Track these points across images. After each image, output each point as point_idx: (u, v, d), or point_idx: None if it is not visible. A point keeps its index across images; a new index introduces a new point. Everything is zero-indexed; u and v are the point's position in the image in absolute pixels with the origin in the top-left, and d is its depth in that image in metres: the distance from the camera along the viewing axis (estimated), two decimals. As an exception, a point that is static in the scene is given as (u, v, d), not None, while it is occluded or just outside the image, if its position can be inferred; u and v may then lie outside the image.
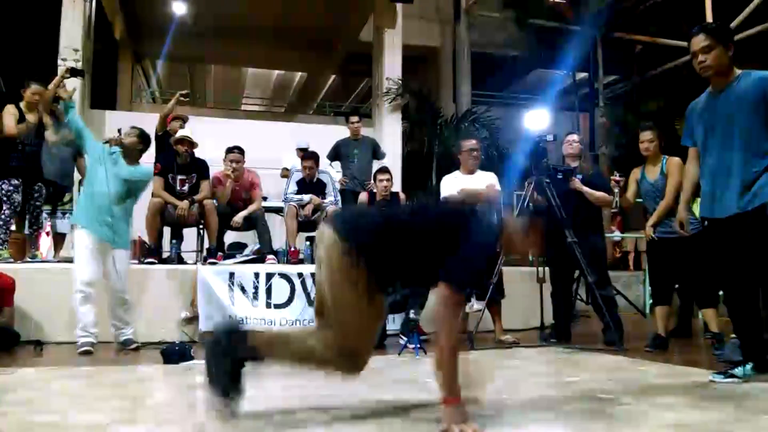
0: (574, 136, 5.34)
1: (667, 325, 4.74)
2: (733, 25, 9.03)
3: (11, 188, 5.59)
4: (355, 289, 2.24)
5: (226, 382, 2.24)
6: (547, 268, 5.25)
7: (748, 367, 3.18)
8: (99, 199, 4.65)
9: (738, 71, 3.23)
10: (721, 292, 4.40)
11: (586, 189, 5.00)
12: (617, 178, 4.81)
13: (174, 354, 4.03)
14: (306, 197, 6.26)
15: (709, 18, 9.51)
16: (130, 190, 4.80)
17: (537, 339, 5.17)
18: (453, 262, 2.23)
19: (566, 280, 5.27)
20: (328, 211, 6.29)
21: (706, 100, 3.37)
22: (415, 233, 2.34)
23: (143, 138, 4.95)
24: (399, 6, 9.60)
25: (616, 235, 9.64)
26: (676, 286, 5.12)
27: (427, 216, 2.47)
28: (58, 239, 6.36)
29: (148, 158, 5.57)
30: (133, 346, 4.66)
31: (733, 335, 4.60)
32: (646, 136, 4.77)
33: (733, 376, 3.17)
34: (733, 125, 3.18)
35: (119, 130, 5.03)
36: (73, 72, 5.96)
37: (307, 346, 2.31)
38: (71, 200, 6.49)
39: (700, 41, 3.21)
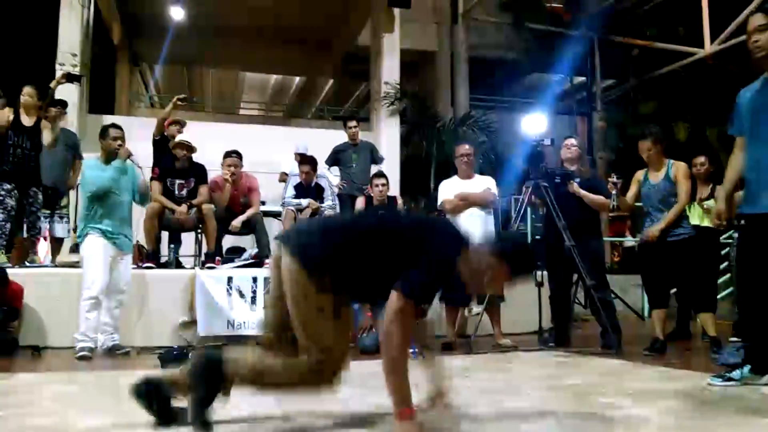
0: (572, 140, 5.35)
1: (665, 328, 4.75)
2: (730, 29, 9.06)
3: (3, 192, 5.57)
4: (323, 312, 2.19)
5: (200, 410, 2.21)
6: (545, 272, 5.25)
7: (746, 369, 3.18)
8: (118, 208, 4.76)
9: None
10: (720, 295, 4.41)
11: (584, 193, 5.01)
12: (614, 179, 4.81)
13: (172, 359, 4.02)
14: (304, 201, 6.27)
15: (706, 22, 9.54)
16: (134, 198, 5.01)
17: (536, 343, 5.17)
18: (409, 272, 2.16)
19: (565, 283, 5.28)
20: (326, 215, 6.29)
21: (759, 86, 3.14)
22: (381, 242, 2.26)
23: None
24: (396, 10, 9.62)
25: (628, 239, 9.55)
26: (673, 290, 5.13)
27: (394, 224, 2.40)
28: (56, 244, 6.35)
29: (146, 162, 5.60)
30: (123, 351, 4.66)
31: (732, 338, 4.63)
32: (645, 144, 4.75)
33: (730, 379, 3.17)
34: None
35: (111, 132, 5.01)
36: (69, 78, 5.98)
37: (283, 366, 2.24)
38: (68, 204, 6.49)
39: (757, 20, 3.01)
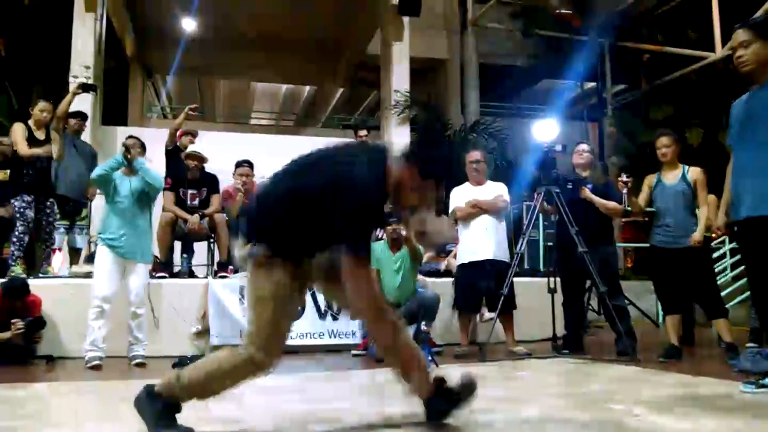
0: (584, 146, 5.33)
1: (678, 333, 4.71)
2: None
3: (24, 204, 5.63)
4: (263, 302, 2.23)
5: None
6: (558, 279, 5.22)
7: None
8: (116, 210, 4.72)
9: None
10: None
11: (596, 199, 4.99)
12: (624, 179, 4.76)
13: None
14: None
15: (717, 26, 9.49)
16: (149, 196, 4.86)
17: (549, 350, 5.13)
18: (338, 223, 2.16)
19: (578, 290, 5.25)
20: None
21: (746, 97, 3.27)
22: (306, 197, 2.26)
23: (143, 147, 5.03)
24: (406, 18, 9.64)
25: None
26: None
27: (310, 174, 2.35)
28: (74, 255, 6.40)
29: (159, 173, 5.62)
30: (137, 361, 4.66)
31: (749, 344, 4.57)
32: (663, 141, 4.74)
33: (763, 386, 3.11)
34: (760, 123, 3.10)
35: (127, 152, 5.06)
36: (84, 87, 6.04)
37: (217, 359, 2.30)
38: (88, 215, 6.55)
39: (740, 36, 3.13)
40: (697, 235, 4.55)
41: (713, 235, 3.91)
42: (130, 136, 5.02)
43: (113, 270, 4.64)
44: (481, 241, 5.18)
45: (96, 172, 4.81)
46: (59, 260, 6.36)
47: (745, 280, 7.09)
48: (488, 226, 5.18)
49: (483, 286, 5.08)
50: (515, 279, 5.04)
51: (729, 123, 3.37)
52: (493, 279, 5.01)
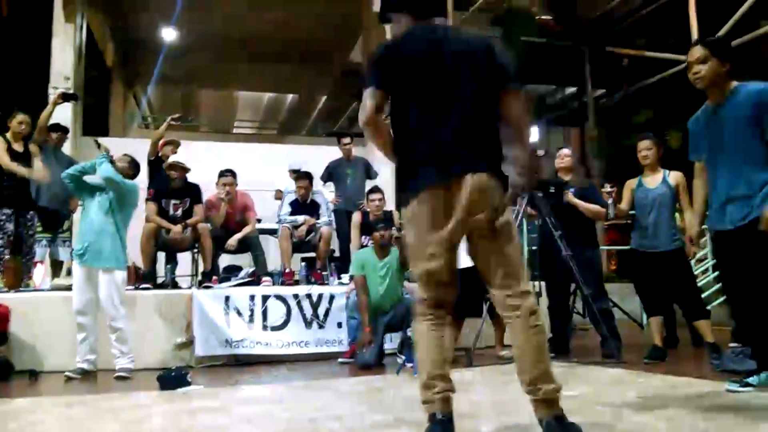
0: (566, 150, 5.38)
1: (663, 335, 4.75)
2: (718, 35, 9.14)
3: (3, 217, 5.56)
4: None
5: None
6: (543, 283, 5.24)
7: (764, 375, 3.16)
8: (85, 220, 4.67)
9: (734, 84, 3.20)
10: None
11: (579, 202, 5.03)
12: (608, 188, 4.83)
13: (170, 380, 4.00)
14: (300, 218, 6.26)
15: (695, 30, 9.62)
16: (118, 201, 4.69)
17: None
18: None
19: (563, 293, 5.28)
20: (322, 231, 6.29)
21: (707, 115, 3.35)
22: None
23: (133, 165, 4.96)
24: (388, 26, 9.68)
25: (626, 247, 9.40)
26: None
27: None
28: (56, 267, 6.33)
29: (141, 184, 5.58)
30: (118, 374, 4.54)
31: (732, 344, 4.62)
32: (644, 144, 4.79)
33: (748, 384, 3.14)
34: (731, 140, 3.17)
35: (97, 143, 5.01)
36: (65, 97, 5.99)
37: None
38: (71, 228, 6.47)
39: (696, 53, 3.23)
40: (690, 247, 4.64)
41: (692, 248, 4.04)
42: (125, 155, 4.97)
43: (83, 282, 4.57)
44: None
45: (68, 170, 4.73)
46: (41, 273, 6.28)
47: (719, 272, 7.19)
48: None
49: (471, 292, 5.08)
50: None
51: (691, 138, 3.48)
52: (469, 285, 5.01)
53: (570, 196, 5.05)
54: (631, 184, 4.90)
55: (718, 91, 3.23)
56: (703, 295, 5.77)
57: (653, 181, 4.76)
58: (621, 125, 12.97)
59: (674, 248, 4.63)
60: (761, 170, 3.08)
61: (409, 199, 2.24)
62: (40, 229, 6.04)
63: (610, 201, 4.80)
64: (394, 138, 2.34)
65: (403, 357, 4.71)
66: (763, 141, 3.07)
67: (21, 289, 5.60)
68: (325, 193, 7.04)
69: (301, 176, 6.48)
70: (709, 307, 4.98)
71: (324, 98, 16.86)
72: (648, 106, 13.03)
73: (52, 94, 7.63)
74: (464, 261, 5.30)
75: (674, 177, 4.71)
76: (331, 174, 7.32)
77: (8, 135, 5.69)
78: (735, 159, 3.16)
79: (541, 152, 5.18)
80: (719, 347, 4.44)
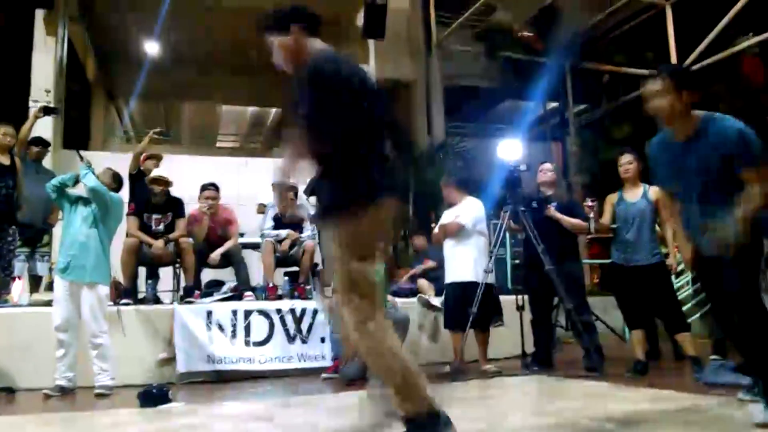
0: (548, 165, 5.42)
1: (645, 348, 4.78)
2: (695, 53, 9.32)
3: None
4: None
5: None
6: (526, 296, 5.26)
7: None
8: (68, 233, 4.61)
9: (700, 115, 2.95)
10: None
11: (561, 216, 5.07)
12: (590, 203, 4.88)
13: (151, 397, 3.94)
14: (283, 232, 6.23)
15: (672, 46, 9.80)
16: (102, 214, 4.65)
17: (519, 368, 5.15)
18: None
19: (546, 307, 5.30)
20: (306, 245, 6.26)
21: (673, 147, 3.11)
22: None
23: (115, 178, 4.93)
24: (371, 41, 9.74)
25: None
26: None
27: None
28: (35, 282, 6.23)
29: (123, 198, 5.53)
30: (97, 392, 4.47)
31: (712, 356, 4.66)
32: (625, 158, 4.86)
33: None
34: (703, 175, 2.97)
35: (80, 155, 4.97)
36: (46, 110, 5.95)
37: None
38: (50, 242, 6.38)
39: (653, 86, 3.02)
40: (672, 261, 4.71)
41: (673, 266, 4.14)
42: (107, 168, 4.94)
43: (65, 297, 4.51)
44: (447, 263, 5.25)
45: (50, 182, 4.68)
46: (19, 289, 6.18)
47: (703, 295, 7.28)
48: (452, 248, 5.23)
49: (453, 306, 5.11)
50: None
51: (653, 164, 3.28)
52: (460, 299, 5.03)
53: (552, 211, 5.09)
54: (612, 198, 4.95)
55: (683, 124, 2.98)
56: (683, 308, 5.83)
57: (634, 195, 4.81)
58: (602, 140, 13.13)
59: (655, 262, 4.68)
60: (731, 203, 2.89)
61: (375, 198, 2.34)
62: (19, 243, 5.94)
63: (591, 215, 4.85)
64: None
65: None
66: (733, 176, 2.88)
67: (-1, 304, 5.50)
68: (309, 207, 7.01)
69: (288, 188, 6.45)
70: (689, 320, 5.03)
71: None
72: (628, 121, 13.23)
73: (33, 108, 7.57)
74: (453, 275, 5.33)
75: (654, 191, 4.76)
76: (314, 187, 7.28)
77: None
78: (706, 193, 2.99)
79: (523, 167, 5.21)
80: (701, 360, 4.48)
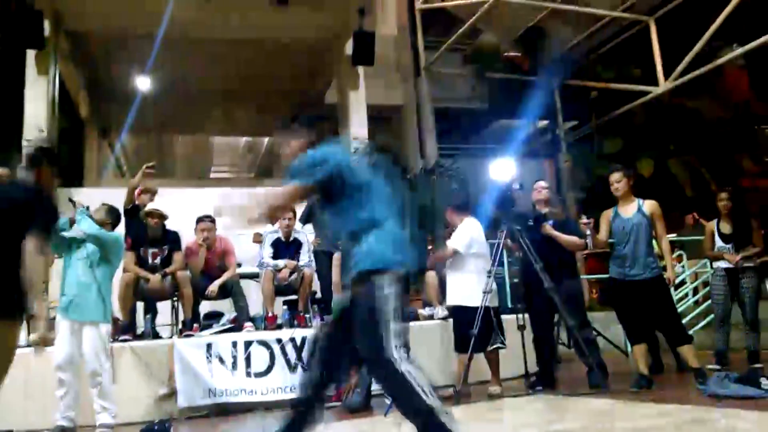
0: (543, 183, 5.46)
1: (647, 362, 4.76)
2: (681, 67, 9.43)
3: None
4: None
5: None
6: (526, 315, 5.25)
7: None
8: (68, 273, 4.60)
9: None
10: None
11: (557, 234, 5.08)
12: (585, 221, 4.90)
13: (154, 433, 3.90)
14: (281, 262, 6.20)
15: (658, 61, 9.91)
16: (101, 255, 4.63)
17: (523, 387, 5.12)
18: None
19: (547, 325, 5.28)
20: (304, 272, 6.24)
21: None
22: None
23: (111, 213, 4.92)
24: (360, 67, 9.82)
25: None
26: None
27: None
28: (31, 322, 6.17)
29: (119, 233, 5.52)
30: (101, 430, 4.41)
31: (714, 367, 4.65)
32: (614, 177, 4.90)
33: None
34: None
35: (71, 200, 4.96)
36: (42, 152, 5.93)
37: None
38: (46, 281, 6.34)
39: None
40: (670, 273, 4.74)
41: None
42: (102, 204, 4.95)
43: (66, 336, 4.49)
44: (448, 286, 5.26)
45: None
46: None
47: (706, 305, 7.29)
48: (451, 270, 5.24)
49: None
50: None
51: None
52: (461, 322, 5.01)
53: (548, 228, 5.11)
54: (608, 214, 4.97)
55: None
56: (684, 320, 5.83)
57: (629, 210, 4.84)
58: (593, 155, 13.23)
59: (653, 276, 4.69)
60: None
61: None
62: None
63: (588, 232, 4.86)
64: None
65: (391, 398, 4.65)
66: None
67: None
68: (305, 234, 7.01)
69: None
70: (691, 332, 5.02)
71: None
72: (618, 136, 13.35)
73: (27, 147, 7.58)
74: (457, 299, 5.30)
75: (649, 206, 4.79)
76: (309, 215, 7.31)
77: None
78: None
79: (516, 185, 5.24)
80: (704, 372, 4.46)
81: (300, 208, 7.08)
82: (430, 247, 6.60)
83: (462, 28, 10.98)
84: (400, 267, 2.47)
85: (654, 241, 5.01)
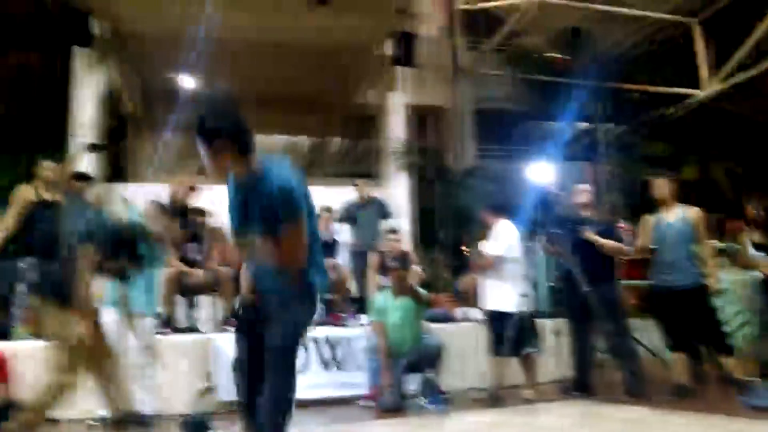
0: (584, 186, 5.39)
1: (686, 371, 4.68)
2: (725, 71, 9.23)
3: (27, 267, 5.64)
4: None
5: None
6: (564, 320, 5.21)
7: None
8: None
9: None
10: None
11: (598, 239, 5.01)
12: (624, 226, 4.83)
13: (192, 426, 4.00)
14: (319, 260, 6.27)
15: (703, 64, 9.71)
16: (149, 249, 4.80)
17: (558, 393, 5.08)
18: None
19: (585, 330, 5.23)
20: (340, 272, 6.30)
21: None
22: None
23: (162, 210, 5.08)
24: (401, 68, 9.86)
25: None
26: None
27: None
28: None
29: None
30: (143, 421, 4.56)
31: (757, 379, 4.54)
32: (657, 183, 4.84)
33: None
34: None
35: (124, 199, 5.15)
36: (92, 147, 6.15)
37: None
38: None
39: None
40: (712, 281, 4.64)
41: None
42: (152, 201, 5.12)
43: (113, 329, 4.61)
44: (483, 290, 5.24)
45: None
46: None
47: (749, 314, 7.11)
48: (487, 276, 5.22)
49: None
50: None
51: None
52: (497, 326, 4.99)
53: (588, 233, 5.04)
54: (650, 219, 4.90)
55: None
56: (727, 330, 5.69)
57: (671, 216, 4.76)
58: (634, 159, 13.00)
59: (695, 283, 4.60)
60: None
61: None
62: (62, 276, 6.10)
63: (627, 238, 4.80)
64: None
65: (425, 399, 4.68)
66: None
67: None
68: (343, 234, 7.09)
69: (323, 208, 6.55)
70: (733, 342, 4.91)
71: (339, 140, 17.08)
72: (661, 140, 13.07)
73: (75, 144, 7.84)
74: (492, 302, 5.28)
75: (692, 212, 4.71)
76: (346, 215, 7.38)
77: (36, 183, 5.82)
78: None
79: (554, 189, 5.20)
80: (746, 383, 4.37)
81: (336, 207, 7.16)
82: (464, 248, 6.59)
83: (503, 29, 10.93)
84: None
85: (696, 248, 4.92)
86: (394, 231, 6.20)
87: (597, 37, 11.57)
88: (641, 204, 6.31)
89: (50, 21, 9.51)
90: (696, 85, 9.99)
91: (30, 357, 5.02)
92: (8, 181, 8.24)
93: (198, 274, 5.78)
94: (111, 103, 10.04)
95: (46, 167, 5.85)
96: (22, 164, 8.97)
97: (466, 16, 11.84)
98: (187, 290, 5.96)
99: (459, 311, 6.37)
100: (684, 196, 4.93)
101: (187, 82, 11.37)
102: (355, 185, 7.46)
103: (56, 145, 8.68)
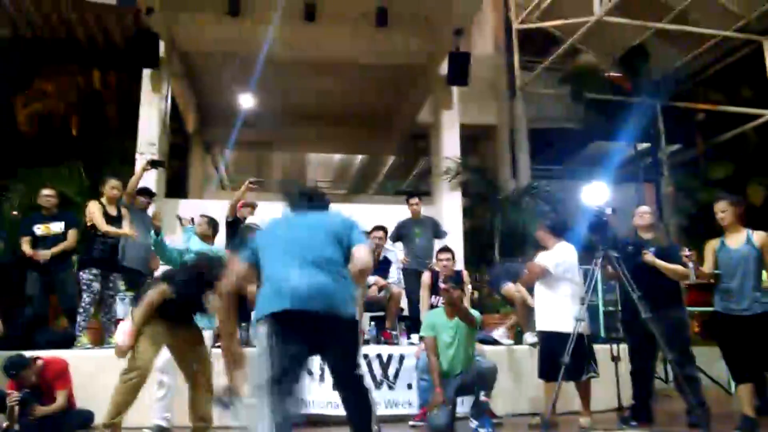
0: (645, 208, 5.25)
1: (752, 403, 4.45)
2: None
3: (91, 277, 5.87)
4: None
5: None
6: (624, 346, 5.05)
7: None
8: None
9: None
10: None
11: (660, 262, 4.84)
12: (687, 253, 4.63)
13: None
14: (371, 279, 6.28)
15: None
16: None
17: (616, 421, 4.91)
18: None
19: (645, 357, 5.04)
20: (392, 291, 6.29)
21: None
22: None
23: (212, 224, 5.22)
24: (455, 87, 9.86)
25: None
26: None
27: None
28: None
29: (220, 245, 5.81)
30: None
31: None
32: (719, 206, 4.64)
33: None
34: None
35: (179, 218, 5.34)
36: (153, 164, 6.39)
37: None
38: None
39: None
40: None
41: None
42: (203, 215, 5.28)
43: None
44: (537, 310, 5.15)
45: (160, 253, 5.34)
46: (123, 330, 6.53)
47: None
48: (542, 294, 5.10)
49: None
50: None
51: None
52: (551, 349, 4.86)
53: (649, 256, 4.88)
54: (714, 244, 4.70)
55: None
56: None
57: (736, 241, 4.56)
58: (698, 181, 12.59)
59: (761, 312, 4.39)
60: None
61: None
62: (124, 287, 6.31)
63: (691, 265, 4.60)
64: None
65: (476, 422, 4.59)
66: None
67: (105, 346, 5.84)
68: (396, 253, 7.08)
69: (377, 228, 6.57)
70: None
71: (392, 158, 17.17)
72: (726, 161, 12.62)
73: (139, 160, 8.13)
74: (548, 324, 5.14)
75: (759, 237, 4.50)
76: (399, 233, 7.38)
77: (103, 200, 6.06)
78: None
79: (608, 210, 5.05)
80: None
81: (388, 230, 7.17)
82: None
83: (561, 47, 10.82)
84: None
85: (763, 274, 4.70)
86: (447, 250, 6.15)
87: (660, 56, 11.31)
88: (705, 227, 6.09)
89: (125, 43, 9.98)
90: (764, 104, 9.63)
91: (92, 366, 5.18)
92: (74, 192, 8.65)
93: (252, 290, 5.84)
94: (173, 121, 10.38)
95: (112, 185, 6.08)
96: (87, 176, 9.41)
97: (522, 34, 11.79)
98: (241, 305, 6.05)
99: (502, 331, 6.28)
100: (751, 220, 4.72)
101: (246, 100, 11.66)
102: (409, 204, 7.46)
103: (123, 160, 9.06)
